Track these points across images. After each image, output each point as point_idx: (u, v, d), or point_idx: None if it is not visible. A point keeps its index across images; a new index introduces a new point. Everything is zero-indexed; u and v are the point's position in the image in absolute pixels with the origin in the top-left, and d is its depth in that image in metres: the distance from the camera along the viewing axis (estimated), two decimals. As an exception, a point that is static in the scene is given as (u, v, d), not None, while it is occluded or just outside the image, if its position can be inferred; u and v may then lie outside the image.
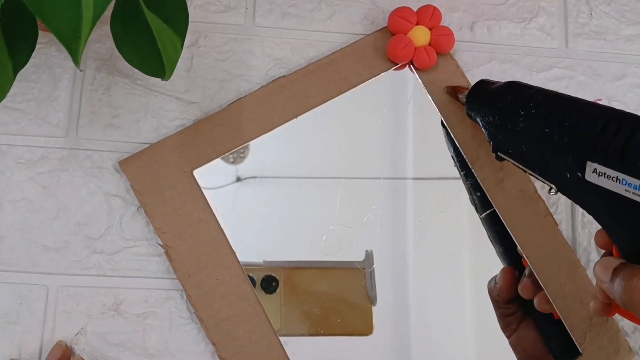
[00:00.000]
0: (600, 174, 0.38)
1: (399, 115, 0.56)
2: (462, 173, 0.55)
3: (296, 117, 0.54)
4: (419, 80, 0.56)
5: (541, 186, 0.55)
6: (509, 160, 0.47)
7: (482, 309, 0.54)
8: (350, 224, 0.53)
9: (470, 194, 0.55)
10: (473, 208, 0.55)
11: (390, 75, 0.56)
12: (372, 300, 0.53)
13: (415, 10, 0.56)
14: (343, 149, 0.55)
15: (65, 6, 0.37)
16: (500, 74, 0.58)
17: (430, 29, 0.56)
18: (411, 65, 0.56)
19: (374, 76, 0.56)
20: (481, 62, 0.58)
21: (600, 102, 0.58)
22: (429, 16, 0.56)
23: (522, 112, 0.44)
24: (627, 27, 0.60)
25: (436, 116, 0.55)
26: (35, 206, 0.52)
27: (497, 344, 0.53)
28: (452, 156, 0.55)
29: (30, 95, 0.54)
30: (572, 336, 0.52)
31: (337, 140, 0.56)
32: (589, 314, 0.52)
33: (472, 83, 0.56)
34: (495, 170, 0.54)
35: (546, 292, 0.52)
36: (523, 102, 0.44)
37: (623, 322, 0.54)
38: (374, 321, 0.52)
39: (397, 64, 0.56)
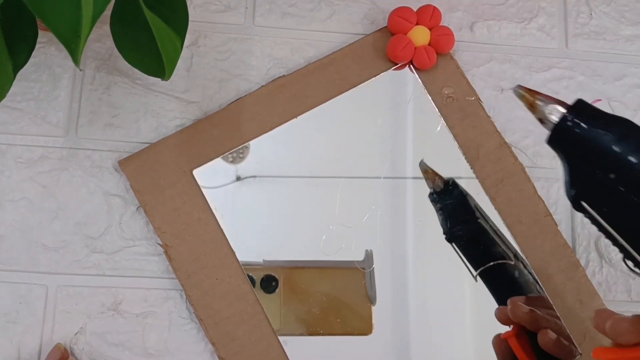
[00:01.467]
0: None
1: (399, 115, 0.56)
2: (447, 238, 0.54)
3: (296, 116, 0.54)
4: (419, 80, 0.56)
5: (540, 186, 0.55)
6: (590, 214, 0.38)
7: (482, 308, 0.54)
8: (350, 223, 0.53)
9: (460, 258, 0.54)
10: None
11: (390, 75, 0.56)
12: (372, 300, 0.53)
13: (415, 10, 0.56)
14: (343, 149, 0.55)
15: (64, 6, 0.37)
16: (500, 74, 0.58)
17: (430, 29, 0.56)
18: (411, 65, 0.56)
19: (374, 76, 0.56)
20: (481, 62, 0.58)
21: (600, 103, 0.58)
22: (428, 16, 0.56)
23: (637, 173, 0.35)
24: (626, 28, 0.61)
25: (436, 116, 0.55)
26: (35, 206, 0.52)
27: (496, 344, 0.53)
28: (442, 223, 0.54)
29: (30, 94, 0.54)
30: (570, 336, 0.52)
31: (336, 139, 0.56)
32: (588, 314, 0.52)
33: (472, 83, 0.56)
34: (495, 171, 0.54)
35: (545, 291, 0.52)
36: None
37: (622, 322, 0.54)
38: (373, 321, 0.52)
39: (397, 64, 0.56)
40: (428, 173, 0.54)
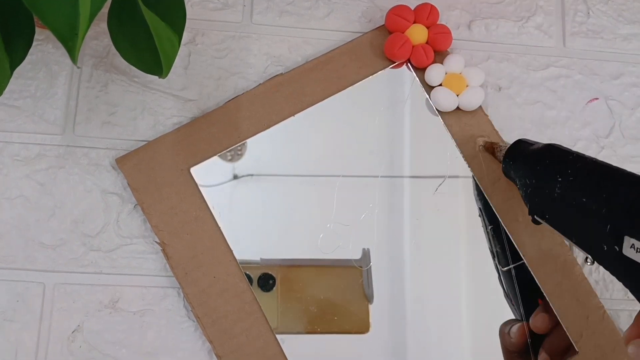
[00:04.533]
0: (639, 249, 0.36)
1: (396, 114, 0.56)
2: (489, 227, 0.54)
3: (293, 115, 0.54)
4: (416, 78, 0.56)
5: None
6: (545, 225, 0.45)
7: (478, 307, 0.54)
8: (347, 222, 0.53)
9: (493, 247, 0.54)
10: (470, 208, 0.55)
11: (387, 74, 0.56)
12: (369, 299, 0.53)
13: (412, 8, 0.56)
14: (340, 147, 0.55)
15: (62, 3, 0.37)
16: (498, 73, 0.58)
17: (427, 27, 0.56)
18: (408, 64, 0.56)
19: (372, 74, 0.56)
20: (478, 61, 0.58)
21: (597, 102, 0.59)
22: (426, 14, 0.56)
23: (560, 179, 0.42)
24: (624, 26, 0.61)
25: (433, 114, 0.55)
26: (32, 203, 0.52)
27: (493, 342, 0.53)
28: (479, 207, 0.54)
29: (27, 92, 0.54)
30: (568, 334, 0.52)
31: (334, 138, 0.56)
32: (585, 312, 0.52)
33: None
34: (493, 169, 0.54)
35: (543, 290, 0.52)
36: (561, 169, 0.43)
37: (619, 321, 0.54)
38: (370, 319, 0.52)
39: (395, 62, 0.56)
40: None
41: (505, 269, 0.53)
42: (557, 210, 0.43)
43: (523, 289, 0.53)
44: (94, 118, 0.54)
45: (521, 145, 0.49)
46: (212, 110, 0.54)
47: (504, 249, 0.54)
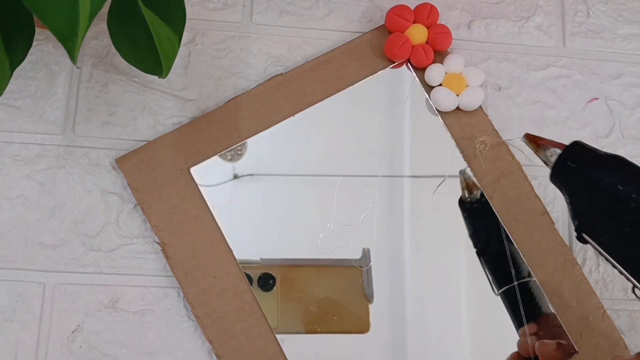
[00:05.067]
0: None
1: (396, 114, 0.56)
2: (476, 251, 0.54)
3: (293, 115, 0.54)
4: (416, 78, 0.56)
5: (537, 185, 0.55)
6: (592, 245, 0.40)
7: (478, 306, 0.54)
8: (347, 222, 0.53)
9: (485, 272, 0.53)
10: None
11: (387, 74, 0.56)
12: (369, 298, 0.53)
13: (412, 8, 0.56)
14: (340, 147, 0.55)
15: (62, 3, 0.37)
16: (498, 73, 0.58)
17: (427, 27, 0.56)
18: (408, 64, 0.56)
19: (371, 74, 0.56)
20: (478, 61, 0.58)
21: (597, 102, 0.59)
22: (426, 14, 0.56)
23: (634, 204, 0.37)
24: (624, 26, 0.61)
25: (433, 114, 0.55)
26: (32, 203, 0.52)
27: (492, 341, 0.53)
28: (469, 235, 0.54)
29: (27, 92, 0.54)
30: (567, 334, 0.52)
31: (334, 138, 0.56)
32: (585, 312, 0.52)
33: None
34: (492, 169, 0.54)
35: (542, 290, 0.52)
36: (637, 188, 0.38)
37: (619, 321, 0.54)
38: (370, 319, 0.52)
39: (395, 62, 0.56)
40: (468, 183, 0.53)
41: (498, 293, 0.53)
42: (619, 235, 0.39)
43: (516, 310, 0.52)
44: (94, 118, 0.54)
45: (584, 148, 0.42)
46: (212, 110, 0.54)
47: (493, 274, 0.53)
